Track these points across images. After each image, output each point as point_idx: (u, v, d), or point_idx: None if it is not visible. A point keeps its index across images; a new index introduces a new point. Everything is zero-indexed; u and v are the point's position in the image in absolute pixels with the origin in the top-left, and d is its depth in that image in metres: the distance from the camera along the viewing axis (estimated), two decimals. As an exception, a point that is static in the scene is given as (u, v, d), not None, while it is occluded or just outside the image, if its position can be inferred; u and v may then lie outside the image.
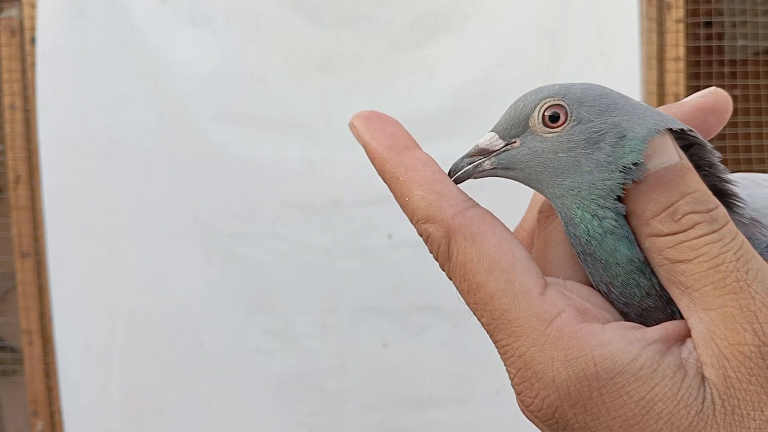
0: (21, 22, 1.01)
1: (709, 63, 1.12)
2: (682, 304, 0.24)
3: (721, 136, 1.11)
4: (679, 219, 0.24)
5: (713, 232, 0.24)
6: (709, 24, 1.42)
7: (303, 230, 1.01)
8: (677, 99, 1.01)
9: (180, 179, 1.01)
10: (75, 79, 1.00)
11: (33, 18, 0.99)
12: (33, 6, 0.99)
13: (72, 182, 1.01)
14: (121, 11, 0.99)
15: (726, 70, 1.17)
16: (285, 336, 1.03)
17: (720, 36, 1.39)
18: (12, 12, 1.01)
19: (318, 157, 1.01)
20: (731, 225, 0.24)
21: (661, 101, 1.01)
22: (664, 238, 0.24)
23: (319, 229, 1.01)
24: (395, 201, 0.27)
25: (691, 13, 1.17)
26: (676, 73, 1.01)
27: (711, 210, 0.24)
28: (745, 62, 1.37)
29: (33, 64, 1.00)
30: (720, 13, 1.40)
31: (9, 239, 1.04)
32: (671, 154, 0.25)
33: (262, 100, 1.00)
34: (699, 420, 0.22)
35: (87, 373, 1.03)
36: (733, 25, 1.40)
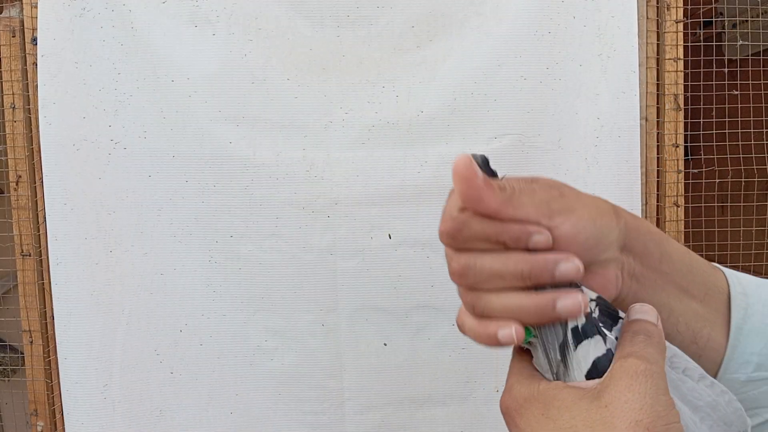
0: (21, 22, 1.01)
1: (709, 63, 1.12)
2: None
3: (722, 137, 1.11)
4: None
5: None
6: (708, 24, 1.43)
7: (303, 230, 1.02)
8: (676, 99, 1.01)
9: (181, 179, 1.01)
10: (76, 79, 1.00)
11: (33, 18, 1.00)
12: (33, 6, 1.00)
13: (73, 182, 1.01)
14: (122, 12, 0.99)
15: (726, 70, 1.17)
16: (285, 335, 1.04)
17: (720, 36, 1.39)
18: (12, 12, 1.01)
19: (318, 157, 1.01)
20: None
21: (660, 101, 1.02)
22: None
23: (319, 229, 1.02)
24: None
25: (691, 13, 1.17)
26: (675, 73, 1.01)
27: None
28: (745, 62, 1.37)
29: (34, 64, 1.00)
30: (720, 13, 1.41)
31: (10, 239, 1.05)
32: None
33: (263, 100, 1.00)
34: None
35: (88, 373, 1.03)
36: (733, 25, 1.40)
